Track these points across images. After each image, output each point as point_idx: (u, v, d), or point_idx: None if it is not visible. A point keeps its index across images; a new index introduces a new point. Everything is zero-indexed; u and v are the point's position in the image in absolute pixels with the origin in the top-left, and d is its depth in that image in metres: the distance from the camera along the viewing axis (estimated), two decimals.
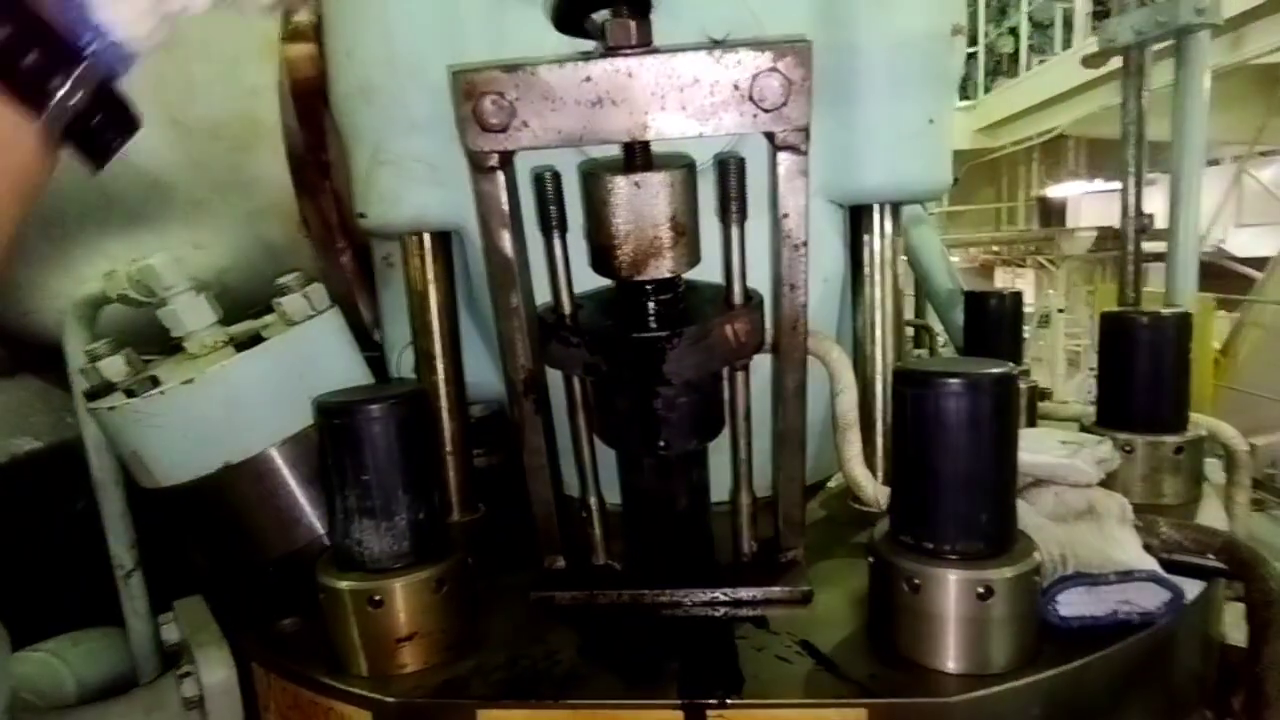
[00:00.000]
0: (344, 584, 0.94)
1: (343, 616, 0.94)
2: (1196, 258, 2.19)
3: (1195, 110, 2.12)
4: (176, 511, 1.17)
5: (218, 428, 1.09)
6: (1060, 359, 11.44)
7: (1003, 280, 15.68)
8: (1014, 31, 13.03)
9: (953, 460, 0.86)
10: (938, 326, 3.17)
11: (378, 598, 0.93)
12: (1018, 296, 1.86)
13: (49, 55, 0.61)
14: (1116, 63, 2.49)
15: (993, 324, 1.82)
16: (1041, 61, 12.30)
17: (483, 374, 1.51)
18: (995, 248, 14.94)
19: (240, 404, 1.09)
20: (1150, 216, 2.20)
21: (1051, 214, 15.13)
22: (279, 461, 1.20)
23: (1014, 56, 13.59)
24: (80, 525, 1.41)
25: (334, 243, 1.57)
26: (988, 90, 13.63)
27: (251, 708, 1.08)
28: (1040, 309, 12.79)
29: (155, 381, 1.06)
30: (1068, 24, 11.57)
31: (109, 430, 1.14)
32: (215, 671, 1.04)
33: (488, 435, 1.80)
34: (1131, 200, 2.21)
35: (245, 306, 1.41)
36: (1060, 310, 12.37)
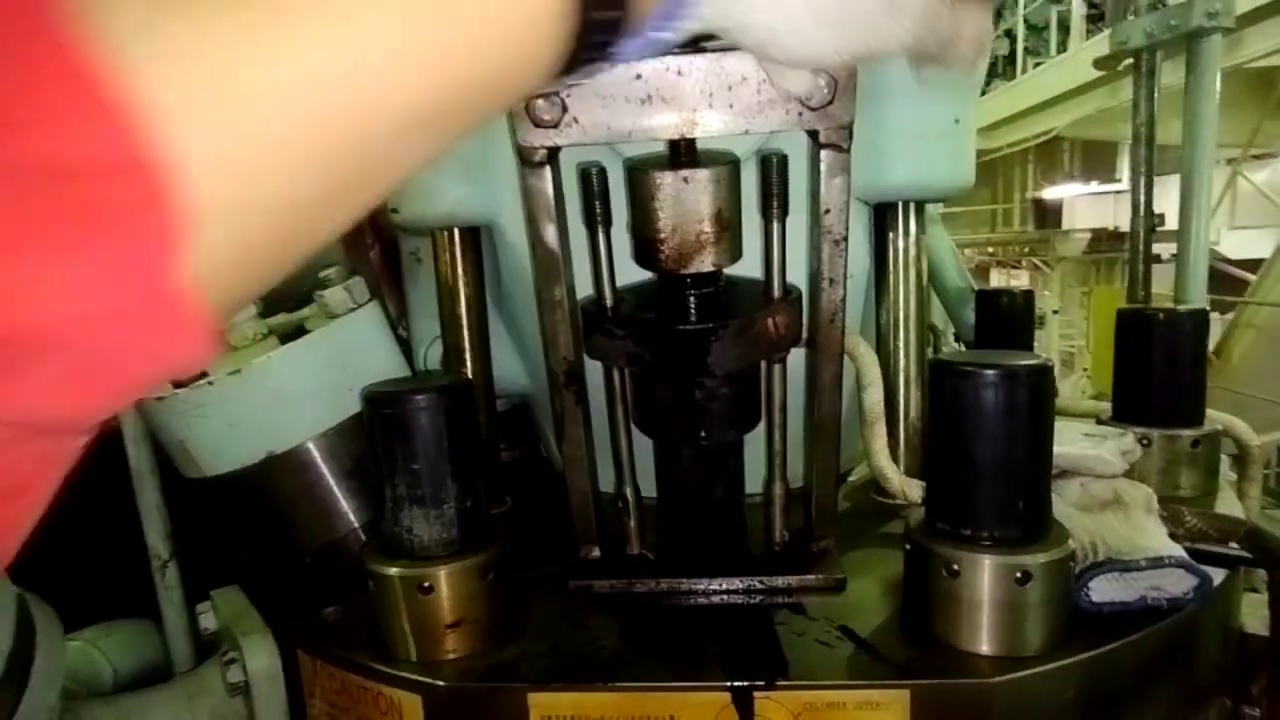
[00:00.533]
0: (394, 570, 0.96)
1: (392, 603, 0.96)
2: (1206, 258, 2.23)
3: (1206, 112, 2.16)
4: (219, 502, 1.19)
5: (262, 418, 1.11)
6: (1055, 360, 11.53)
7: (998, 281, 15.77)
8: (1010, 34, 13.12)
9: (991, 449, 0.89)
10: (941, 324, 3.21)
11: (427, 584, 0.95)
12: (1029, 295, 1.89)
13: None
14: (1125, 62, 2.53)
15: (1005, 322, 1.86)
16: (1037, 64, 12.39)
17: (504, 368, 1.53)
18: (991, 249, 15.04)
19: (284, 395, 1.11)
20: (1160, 216, 2.24)
21: (1047, 216, 15.24)
22: (316, 453, 1.22)
23: (1010, 59, 13.68)
24: (114, 516, 1.43)
25: (363, 238, 1.59)
26: (984, 93, 13.71)
27: (295, 695, 1.10)
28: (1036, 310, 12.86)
29: (203, 373, 1.08)
30: (1063, 27, 11.67)
31: (155, 421, 1.16)
32: (260, 658, 1.06)
33: (510, 430, 1.83)
34: (1142, 199, 2.24)
35: (273, 302, 1.43)
36: (1055, 311, 12.47)
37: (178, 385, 1.06)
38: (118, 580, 1.50)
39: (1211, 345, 7.72)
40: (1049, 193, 14.89)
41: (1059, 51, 11.59)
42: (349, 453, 1.20)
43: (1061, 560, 0.89)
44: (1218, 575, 1.04)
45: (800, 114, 0.89)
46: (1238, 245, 10.68)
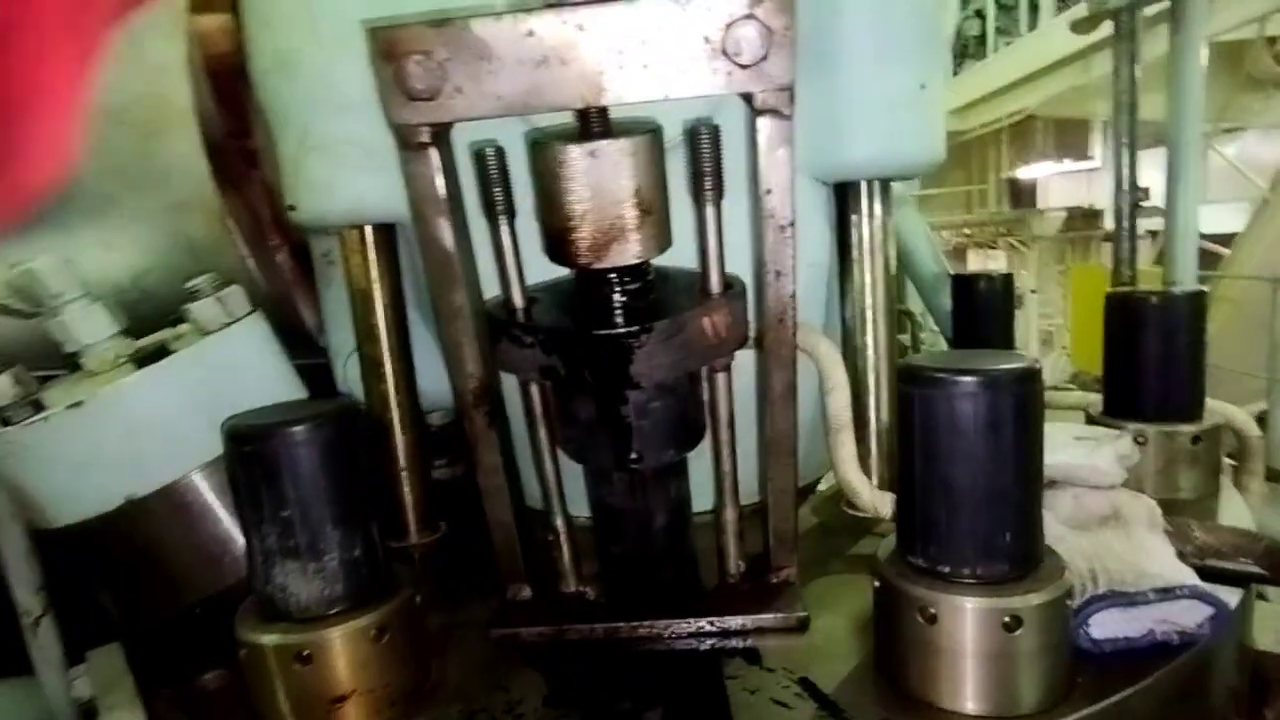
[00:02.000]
0: (267, 638, 0.80)
1: (267, 676, 0.80)
2: (1196, 232, 2.11)
3: (1192, 77, 2.03)
4: (80, 552, 1.02)
5: (117, 456, 0.94)
6: (1034, 339, 11.53)
7: (975, 263, 15.78)
8: (980, 14, 13.03)
9: (970, 471, 0.74)
10: (918, 310, 3.09)
11: (306, 653, 0.79)
12: (1008, 279, 1.76)
13: None
14: (1093, 37, 2.40)
15: (982, 308, 1.72)
16: (1008, 44, 12.34)
17: (439, 379, 1.36)
18: (967, 230, 15.03)
19: (143, 428, 0.94)
20: (1146, 189, 2.11)
21: (1021, 195, 15.23)
22: (201, 489, 1.06)
23: (980, 39, 13.62)
24: None
25: (267, 239, 1.42)
26: (955, 73, 13.65)
27: None
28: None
29: (38, 406, 0.91)
30: (1033, 6, 11.60)
31: None
32: None
33: (450, 445, 1.67)
34: (1125, 173, 2.11)
35: (171, 313, 1.26)
36: (1033, 291, 12.46)
37: (5, 423, 0.89)
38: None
39: None
40: (1023, 172, 14.85)
41: (1029, 30, 11.50)
42: None
43: (1058, 600, 0.75)
44: (1233, 597, 0.91)
45: (730, 73, 0.74)
46: (1210, 220, 10.68)
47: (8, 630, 1.26)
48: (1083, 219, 13.12)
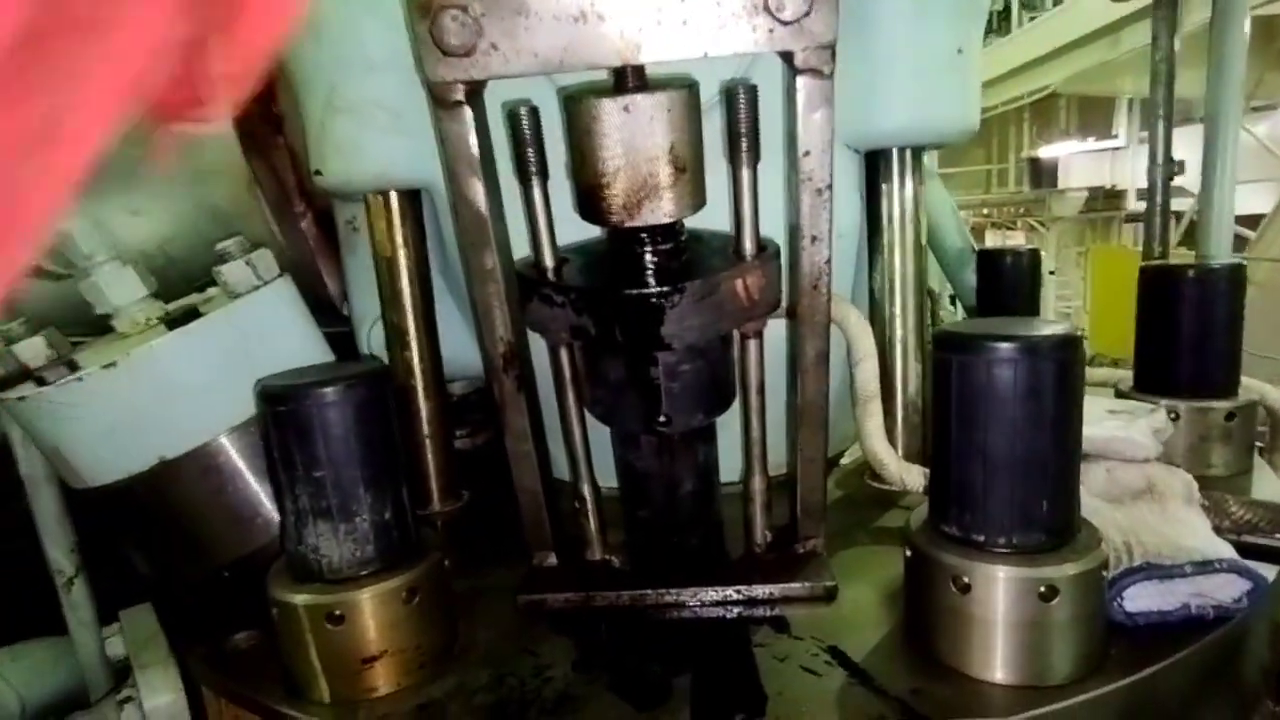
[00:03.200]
0: (299, 598, 0.81)
1: (299, 636, 0.81)
2: (1232, 210, 2.06)
3: (1234, 49, 1.96)
4: (113, 513, 1.03)
5: (149, 417, 0.94)
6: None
7: (993, 242, 15.58)
8: None
9: (1009, 439, 0.73)
10: (938, 288, 3.05)
11: (338, 613, 0.80)
12: (1035, 254, 1.73)
13: None
14: (1130, 6, 2.33)
15: (1008, 284, 1.70)
16: (1033, 18, 12.07)
17: (462, 348, 1.37)
18: (986, 210, 14.83)
19: (175, 389, 0.95)
20: (1181, 163, 2.06)
21: (1042, 175, 14.99)
22: (231, 452, 1.06)
23: (1005, 14, 13.32)
24: (22, 526, 1.27)
25: (292, 206, 1.41)
26: None
27: None
28: None
29: (73, 366, 0.91)
30: None
31: (24, 424, 0.99)
32: (158, 695, 0.91)
33: (471, 414, 1.67)
34: (1160, 147, 2.06)
35: (196, 280, 1.26)
36: (1051, 272, 12.31)
37: (41, 383, 0.89)
38: (31, 595, 1.35)
39: None
40: (1045, 151, 14.61)
41: (1055, 4, 11.25)
42: None
43: (1094, 570, 0.74)
44: (1270, 572, 0.89)
45: (771, 30, 0.72)
46: (1239, 200, 10.46)
47: (42, 590, 1.28)
48: (1104, 199, 12.90)
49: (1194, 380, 1.21)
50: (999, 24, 13.52)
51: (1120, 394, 1.30)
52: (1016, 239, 14.97)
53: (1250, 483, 1.18)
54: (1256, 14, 7.30)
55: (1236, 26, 1.99)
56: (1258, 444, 1.38)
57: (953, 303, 2.66)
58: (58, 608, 1.27)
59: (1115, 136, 13.55)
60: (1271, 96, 9.17)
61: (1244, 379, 1.26)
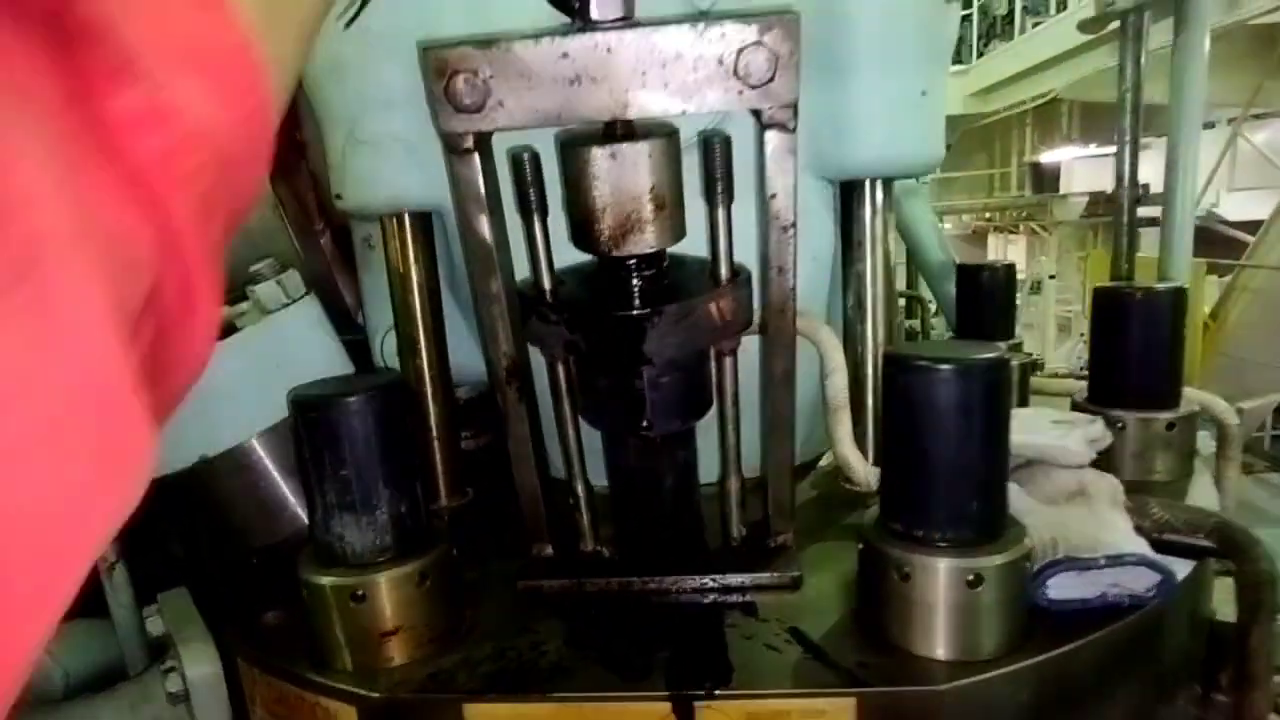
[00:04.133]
0: (326, 580, 0.92)
1: (326, 612, 0.93)
2: (1192, 225, 2.17)
3: (1194, 75, 2.07)
4: (155, 505, 1.15)
5: (194, 420, 1.06)
6: (1051, 325, 11.50)
7: (995, 246, 15.65)
8: None
9: (943, 448, 0.84)
10: (930, 297, 3.16)
11: (360, 592, 0.91)
12: (1010, 269, 1.84)
13: None
14: (1112, 25, 2.44)
15: (985, 297, 1.81)
16: (1036, 24, 12.14)
17: (468, 355, 1.48)
18: (988, 214, 14.90)
19: (215, 396, 1.06)
20: (1145, 186, 2.17)
21: (1044, 179, 15.05)
22: (260, 452, 1.18)
23: (1008, 19, 13.40)
24: None
25: (312, 225, 1.53)
26: (981, 54, 13.46)
27: (238, 701, 1.07)
28: (1032, 275, 12.81)
29: None
30: None
31: None
32: (199, 666, 1.03)
33: (476, 417, 1.78)
34: (1126, 169, 2.17)
35: (231, 293, 1.37)
36: (1052, 277, 12.39)
37: None
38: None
39: (1208, 309, 7.67)
40: (1046, 156, 14.67)
41: (1058, 10, 11.33)
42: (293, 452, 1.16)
43: (1016, 561, 0.86)
44: (1184, 568, 1.00)
45: (740, 92, 0.83)
46: (1238, 207, 10.55)
47: (86, 575, 1.40)
48: (1106, 204, 12.96)
49: (1139, 393, 1.32)
50: (1003, 29, 13.60)
51: (1075, 405, 1.41)
52: (1018, 243, 15.04)
53: (1188, 488, 1.29)
54: (1254, 23, 7.39)
55: (1196, 56, 2.09)
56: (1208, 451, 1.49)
57: (938, 314, 2.79)
58: (99, 591, 1.39)
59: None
60: (1270, 104, 9.25)
61: (1188, 391, 1.36)
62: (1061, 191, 14.18)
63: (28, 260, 0.29)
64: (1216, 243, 8.72)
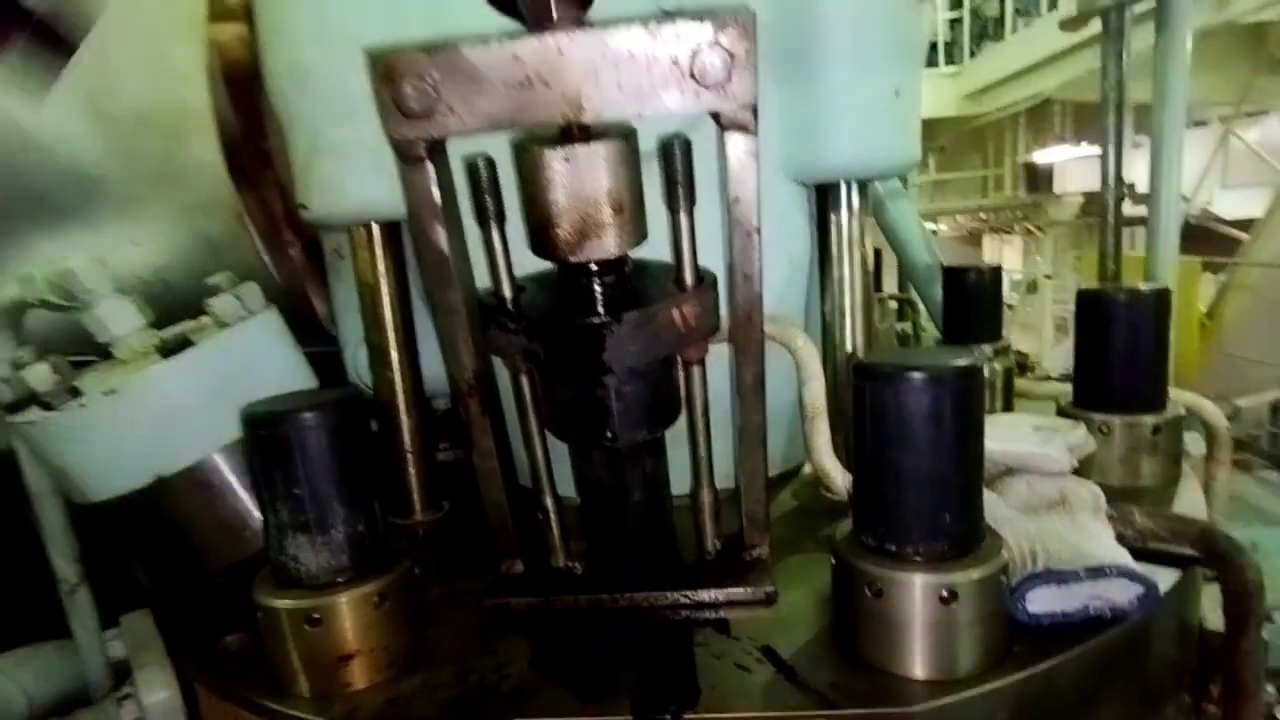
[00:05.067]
0: (281, 602, 0.89)
1: (281, 636, 0.89)
2: (1178, 224, 2.14)
3: (1177, 74, 2.05)
4: (114, 525, 1.12)
5: (146, 438, 1.03)
6: (1048, 325, 11.47)
7: (990, 247, 15.63)
8: None
9: (914, 460, 0.81)
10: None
11: (316, 615, 0.88)
12: (997, 271, 1.81)
13: None
14: (1098, 25, 2.42)
15: (972, 300, 1.78)
16: (1027, 25, 12.13)
17: (439, 367, 1.45)
18: (983, 215, 14.88)
19: (170, 413, 1.03)
20: (1131, 185, 2.14)
21: (1038, 180, 15.03)
22: (223, 469, 1.15)
23: (999, 20, 13.39)
24: (29, 536, 1.36)
25: (281, 235, 1.50)
26: (973, 55, 13.46)
27: None
28: (1027, 276, 12.79)
29: (76, 392, 1.00)
30: None
31: (31, 444, 1.08)
32: (156, 692, 1.00)
33: (452, 429, 1.75)
34: (1111, 169, 2.15)
35: (192, 304, 1.35)
36: (1047, 277, 12.37)
37: (48, 408, 0.98)
38: (38, 601, 1.44)
39: (1204, 306, 7.65)
40: (1040, 156, 14.66)
41: (1049, 10, 11.32)
42: None
43: (993, 575, 0.82)
44: (1168, 578, 0.98)
45: (697, 94, 0.81)
46: (1231, 205, 10.54)
47: (48, 597, 1.37)
48: (1100, 204, 12.94)
49: (1125, 396, 1.29)
50: (994, 30, 13.60)
51: (1060, 409, 1.38)
52: (1014, 244, 15.02)
53: (1175, 492, 1.26)
54: (1245, 21, 7.39)
55: (1178, 55, 2.07)
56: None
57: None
58: (62, 614, 1.36)
59: None
60: (1262, 102, 9.25)
61: (1174, 393, 1.34)
62: (1056, 191, 14.15)
63: None
64: (1211, 240, 8.71)
